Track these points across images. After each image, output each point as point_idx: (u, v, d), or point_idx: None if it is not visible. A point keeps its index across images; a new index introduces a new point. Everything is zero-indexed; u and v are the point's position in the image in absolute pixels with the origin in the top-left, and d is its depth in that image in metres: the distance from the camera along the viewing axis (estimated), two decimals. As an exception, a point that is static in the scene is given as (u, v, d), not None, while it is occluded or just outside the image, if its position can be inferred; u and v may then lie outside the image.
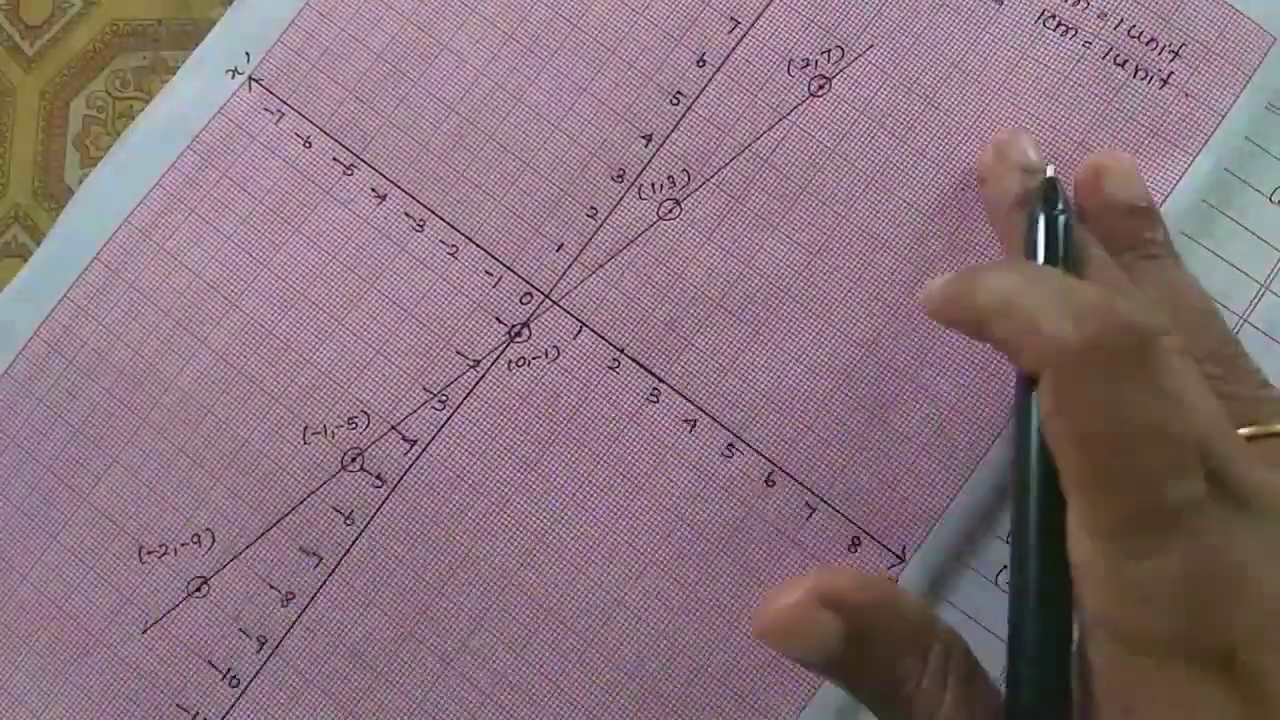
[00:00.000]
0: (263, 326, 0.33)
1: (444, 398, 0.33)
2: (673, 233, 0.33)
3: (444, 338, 0.33)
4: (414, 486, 0.32)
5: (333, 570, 0.32)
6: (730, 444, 0.32)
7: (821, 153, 0.33)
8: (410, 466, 0.32)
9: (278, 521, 0.32)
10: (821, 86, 0.33)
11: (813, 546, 0.31)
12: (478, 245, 0.33)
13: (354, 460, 0.33)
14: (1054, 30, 0.32)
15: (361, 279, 0.33)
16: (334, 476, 0.33)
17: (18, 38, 0.36)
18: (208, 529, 0.33)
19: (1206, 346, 0.26)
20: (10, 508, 0.33)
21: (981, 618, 0.30)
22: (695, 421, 0.32)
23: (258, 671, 0.32)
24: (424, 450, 0.32)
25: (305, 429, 0.33)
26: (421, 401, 0.33)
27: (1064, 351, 0.21)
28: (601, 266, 0.33)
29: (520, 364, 0.33)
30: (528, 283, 0.33)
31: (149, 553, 0.33)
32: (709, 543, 0.31)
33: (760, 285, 0.32)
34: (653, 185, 0.33)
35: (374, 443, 0.33)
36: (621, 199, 0.33)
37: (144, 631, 0.32)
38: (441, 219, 0.33)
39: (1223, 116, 0.32)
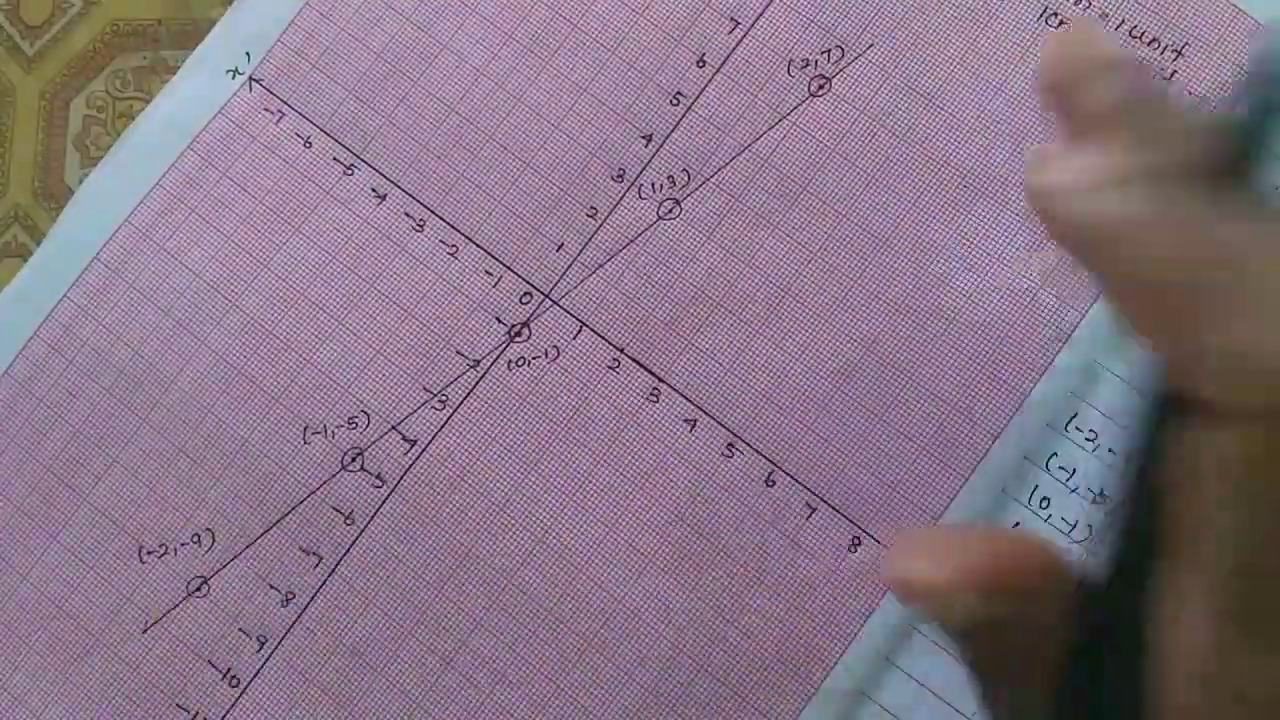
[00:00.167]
0: (263, 326, 0.33)
1: (444, 398, 0.33)
2: (673, 232, 0.33)
3: (444, 337, 0.33)
4: (414, 486, 0.32)
5: (333, 570, 0.32)
6: (730, 444, 0.32)
7: (821, 152, 0.33)
8: (410, 466, 0.32)
9: (278, 521, 0.32)
10: (821, 86, 0.33)
11: (813, 546, 0.31)
12: (478, 245, 0.33)
13: (354, 460, 0.33)
14: (1056, 29, 0.32)
15: (361, 279, 0.33)
16: (334, 476, 0.33)
17: (18, 38, 0.36)
18: (208, 529, 0.33)
19: None
20: (10, 507, 0.33)
21: (981, 618, 0.30)
22: (695, 421, 0.32)
23: (258, 671, 0.32)
24: (424, 450, 0.32)
25: (305, 429, 0.33)
26: (421, 401, 0.33)
27: None
28: (601, 266, 0.33)
29: (520, 364, 0.33)
30: (528, 282, 0.33)
31: (149, 553, 0.33)
32: (709, 543, 0.31)
33: (760, 285, 0.32)
34: (653, 185, 0.33)
35: (374, 442, 0.33)
36: (622, 199, 0.33)
37: (144, 631, 0.32)
38: (441, 219, 0.33)
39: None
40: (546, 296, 0.33)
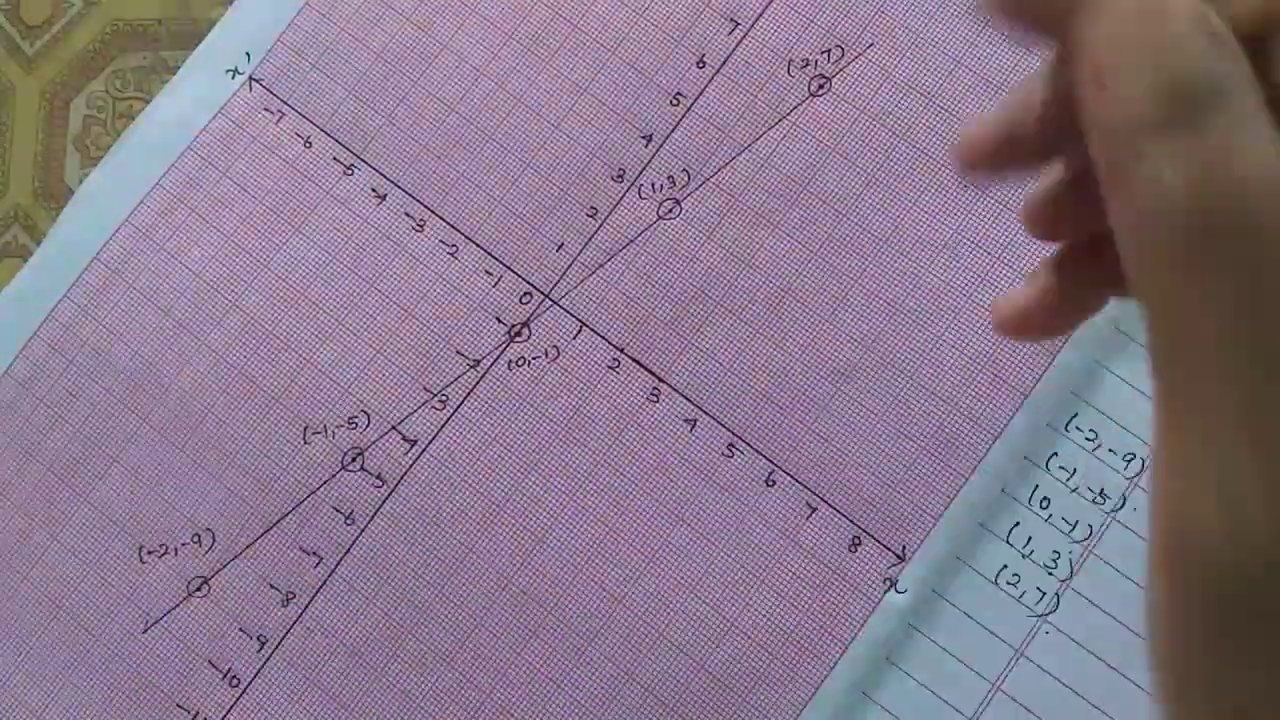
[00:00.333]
0: (263, 326, 0.33)
1: (444, 397, 0.33)
2: (673, 232, 0.33)
3: (444, 337, 0.33)
4: (414, 486, 0.32)
5: (333, 570, 0.32)
6: (730, 444, 0.32)
7: (821, 152, 0.33)
8: (410, 466, 0.32)
9: (278, 521, 0.32)
10: (821, 86, 0.33)
11: (813, 546, 0.31)
12: (478, 245, 0.33)
13: (354, 460, 0.33)
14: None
15: (362, 279, 0.33)
16: (334, 476, 0.33)
17: (18, 38, 0.36)
18: (208, 529, 0.33)
19: None
20: (11, 507, 0.33)
21: (981, 617, 0.30)
22: (695, 421, 0.32)
23: (258, 671, 0.32)
24: (424, 450, 0.32)
25: (305, 429, 0.33)
26: (421, 401, 0.33)
27: None
28: (601, 266, 0.33)
29: (520, 364, 0.33)
30: (528, 282, 0.33)
31: (149, 552, 0.33)
32: (709, 542, 0.31)
33: (760, 284, 0.32)
34: (653, 185, 0.33)
35: (374, 442, 0.33)
36: (622, 199, 0.33)
37: (144, 631, 0.32)
38: (441, 219, 0.33)
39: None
40: (546, 296, 0.33)
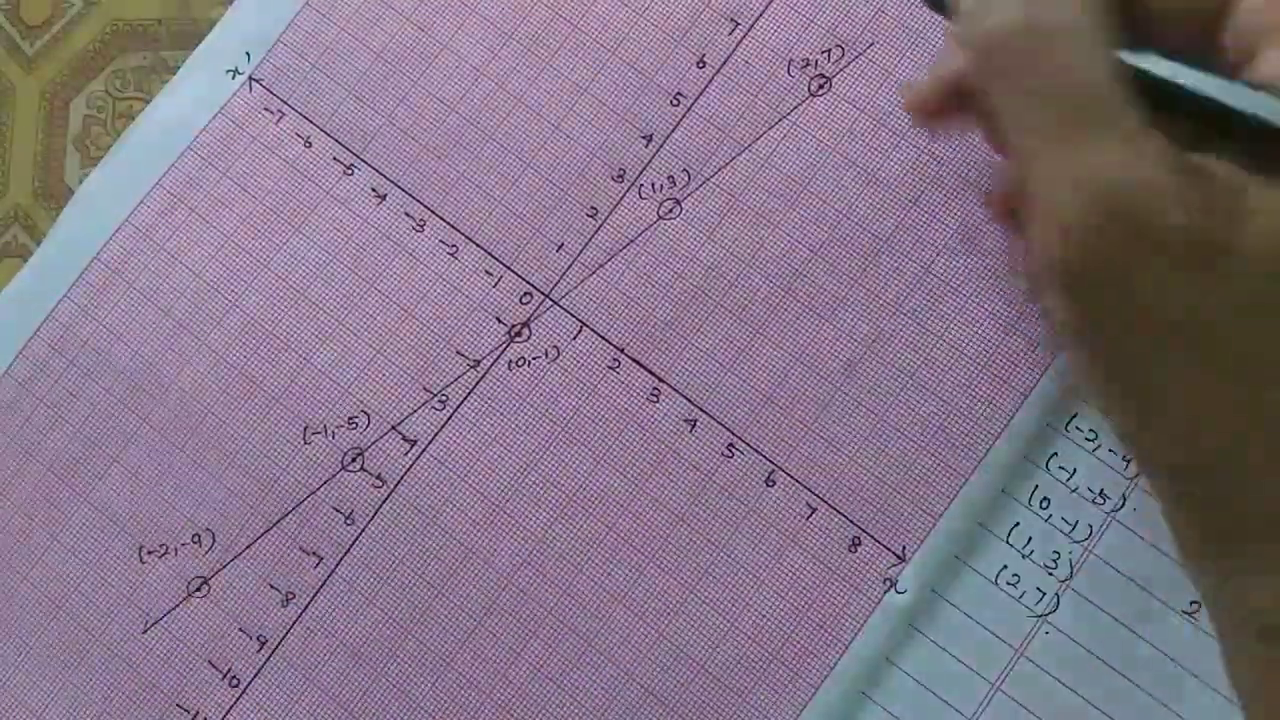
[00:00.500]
0: (263, 326, 0.33)
1: (444, 398, 0.33)
2: (673, 232, 0.33)
3: (444, 338, 0.33)
4: (414, 486, 0.32)
5: (333, 570, 0.32)
6: (730, 444, 0.32)
7: (822, 152, 0.33)
8: (410, 467, 0.32)
9: (278, 521, 0.32)
10: (822, 86, 0.33)
11: (813, 546, 0.31)
12: (478, 245, 0.33)
13: (354, 460, 0.33)
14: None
15: (362, 279, 0.33)
16: (334, 476, 0.33)
17: (18, 38, 0.36)
18: (208, 529, 0.33)
19: None
20: (11, 507, 0.33)
21: (981, 618, 0.30)
22: (695, 421, 0.32)
23: (258, 671, 0.32)
24: (424, 450, 0.32)
25: (305, 429, 0.33)
26: (422, 401, 0.33)
27: None
28: (602, 266, 0.33)
29: (520, 364, 0.33)
30: (528, 283, 0.33)
31: (149, 553, 0.33)
32: (709, 542, 0.31)
33: (761, 285, 0.32)
34: (653, 185, 0.33)
35: (374, 443, 0.33)
36: (622, 199, 0.33)
37: (144, 631, 0.32)
38: (442, 219, 0.33)
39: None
40: (547, 297, 0.33)
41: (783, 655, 0.31)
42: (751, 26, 0.33)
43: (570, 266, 0.33)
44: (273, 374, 0.33)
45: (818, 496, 0.31)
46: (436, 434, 0.32)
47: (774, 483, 0.32)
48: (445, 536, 0.32)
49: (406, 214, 0.34)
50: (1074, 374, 0.30)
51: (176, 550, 0.33)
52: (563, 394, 0.32)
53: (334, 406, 0.33)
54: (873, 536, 0.31)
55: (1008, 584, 0.31)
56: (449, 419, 0.33)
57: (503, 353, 0.33)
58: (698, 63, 0.33)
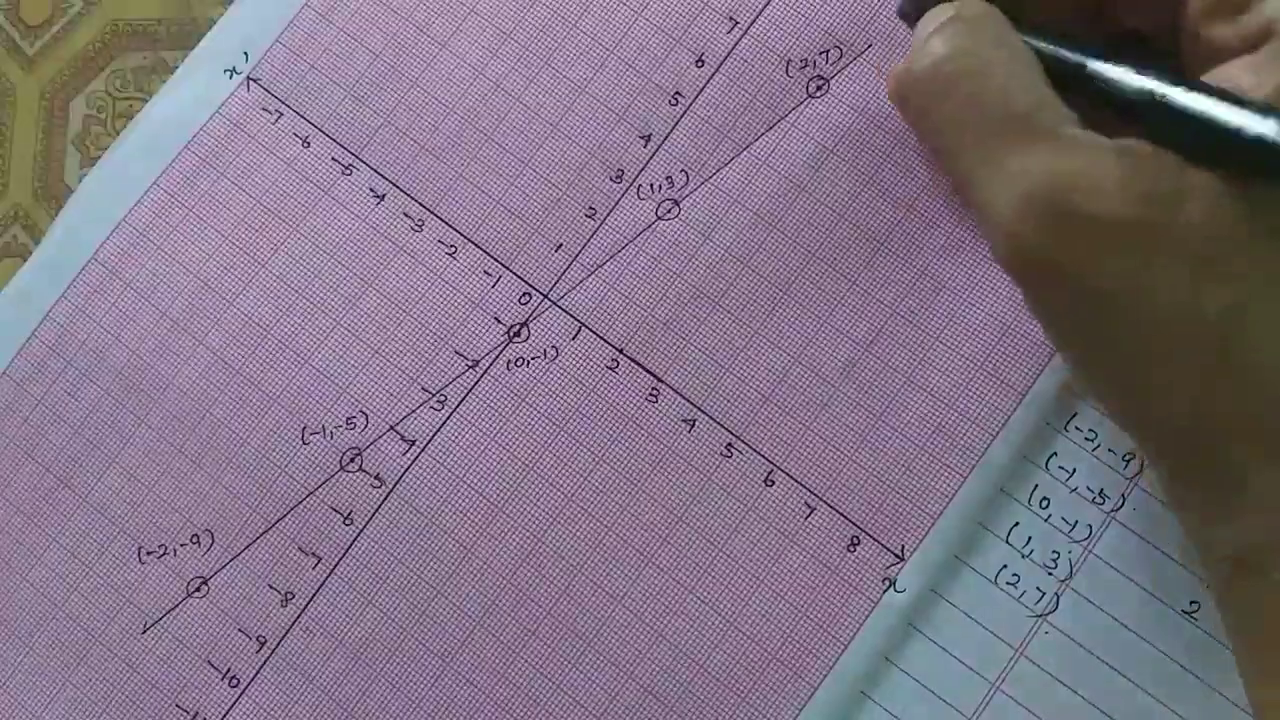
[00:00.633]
0: (261, 326, 0.33)
1: (443, 398, 0.33)
2: (671, 233, 0.33)
3: (442, 338, 0.33)
4: (413, 487, 0.32)
5: (332, 570, 0.32)
6: (730, 444, 0.32)
7: (820, 153, 0.32)
8: (409, 467, 0.32)
9: (277, 522, 0.32)
10: (820, 87, 0.33)
11: (812, 546, 0.31)
12: (476, 245, 0.33)
13: (353, 460, 0.33)
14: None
15: (360, 279, 0.33)
16: (333, 477, 0.33)
17: (18, 38, 0.37)
18: (207, 529, 0.33)
19: None
20: (10, 508, 0.33)
21: (981, 618, 0.30)
22: (694, 421, 0.32)
23: (257, 671, 0.32)
24: (423, 450, 0.32)
25: (304, 429, 0.33)
26: (420, 401, 0.33)
27: None
28: (600, 266, 0.33)
29: (519, 364, 0.33)
30: (526, 283, 0.33)
31: (149, 553, 0.33)
32: (708, 542, 0.31)
33: (759, 285, 0.32)
34: (651, 185, 0.33)
35: (373, 443, 0.33)
36: (620, 199, 0.33)
37: (144, 631, 0.32)
38: (440, 219, 0.33)
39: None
40: (545, 297, 0.33)
41: (782, 655, 0.31)
42: (750, 26, 0.33)
43: (569, 266, 0.33)
44: (271, 374, 0.33)
45: (817, 496, 0.31)
46: (435, 434, 0.32)
47: (773, 482, 0.32)
48: (444, 536, 0.32)
49: (405, 214, 0.34)
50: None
51: (175, 551, 0.33)
52: (561, 394, 0.32)
53: (332, 406, 0.33)
54: (872, 536, 0.31)
55: (1007, 584, 0.30)
56: (448, 419, 0.33)
57: (501, 353, 0.33)
58: (696, 62, 0.33)
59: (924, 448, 0.31)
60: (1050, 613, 0.30)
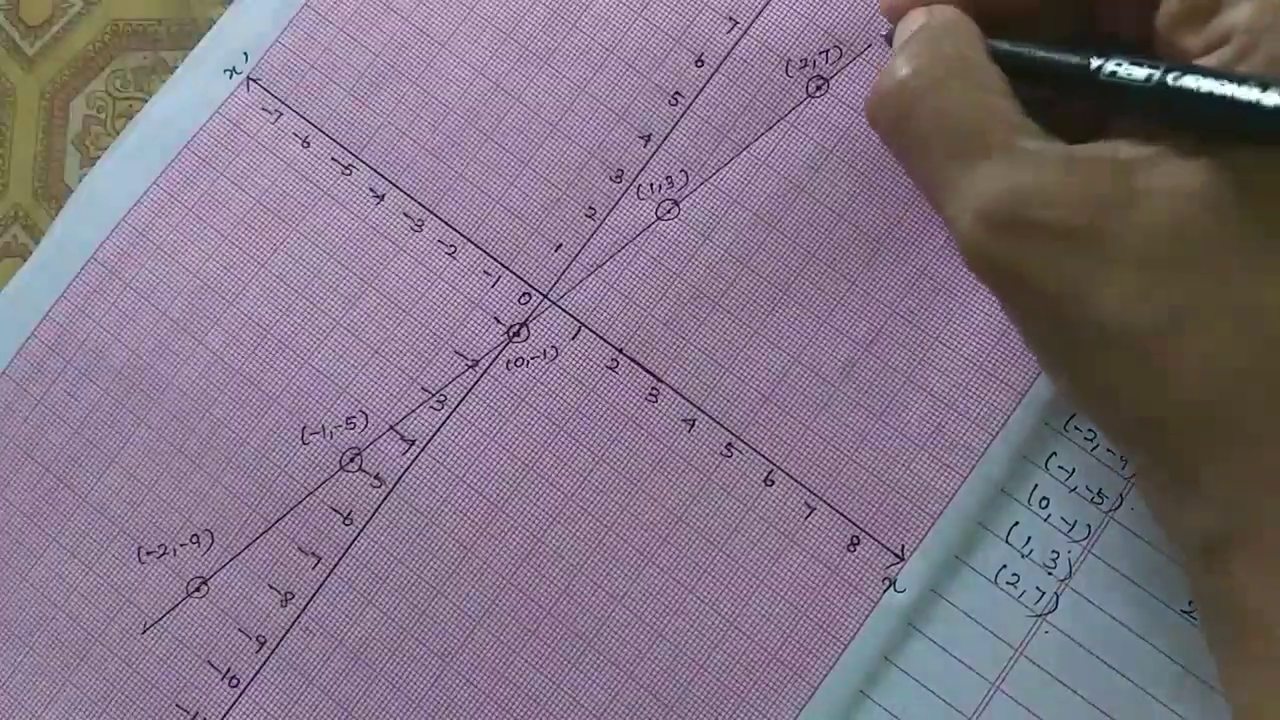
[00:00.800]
0: (260, 326, 0.33)
1: (442, 398, 0.33)
2: (671, 233, 0.33)
3: (442, 337, 0.33)
4: (412, 486, 0.32)
5: (331, 570, 0.32)
6: (729, 444, 0.32)
7: (819, 153, 0.32)
8: (409, 466, 0.32)
9: (276, 522, 0.32)
10: (819, 87, 0.33)
11: (812, 546, 0.31)
12: (476, 245, 0.33)
13: (352, 460, 0.33)
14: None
15: (360, 279, 0.33)
16: (332, 476, 0.33)
17: (18, 38, 0.37)
18: (207, 529, 0.33)
19: None
20: (10, 508, 0.33)
21: (982, 618, 0.30)
22: (694, 421, 0.32)
23: (257, 671, 0.32)
24: (422, 450, 0.32)
25: (303, 429, 0.33)
26: (420, 401, 0.33)
27: None
28: (600, 266, 0.33)
29: (519, 364, 0.33)
30: (526, 283, 0.33)
31: (148, 553, 0.33)
32: (708, 542, 0.31)
33: (759, 285, 0.32)
34: (651, 185, 0.33)
35: (372, 443, 0.33)
36: (620, 199, 0.33)
37: (144, 631, 0.32)
38: (440, 219, 0.33)
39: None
40: (545, 297, 0.33)
41: (782, 655, 0.31)
42: (750, 26, 0.33)
43: (569, 266, 0.33)
44: (270, 374, 0.33)
45: (816, 496, 0.31)
46: (435, 434, 0.32)
47: (773, 482, 0.31)
48: (444, 536, 0.32)
49: (405, 214, 0.34)
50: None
51: (175, 551, 0.33)
52: (561, 394, 0.32)
53: (332, 406, 0.33)
54: (872, 536, 0.31)
55: (1007, 583, 0.30)
56: (447, 419, 0.33)
57: (501, 352, 0.33)
58: (696, 62, 0.33)
59: (924, 448, 0.31)
60: (1050, 612, 0.30)
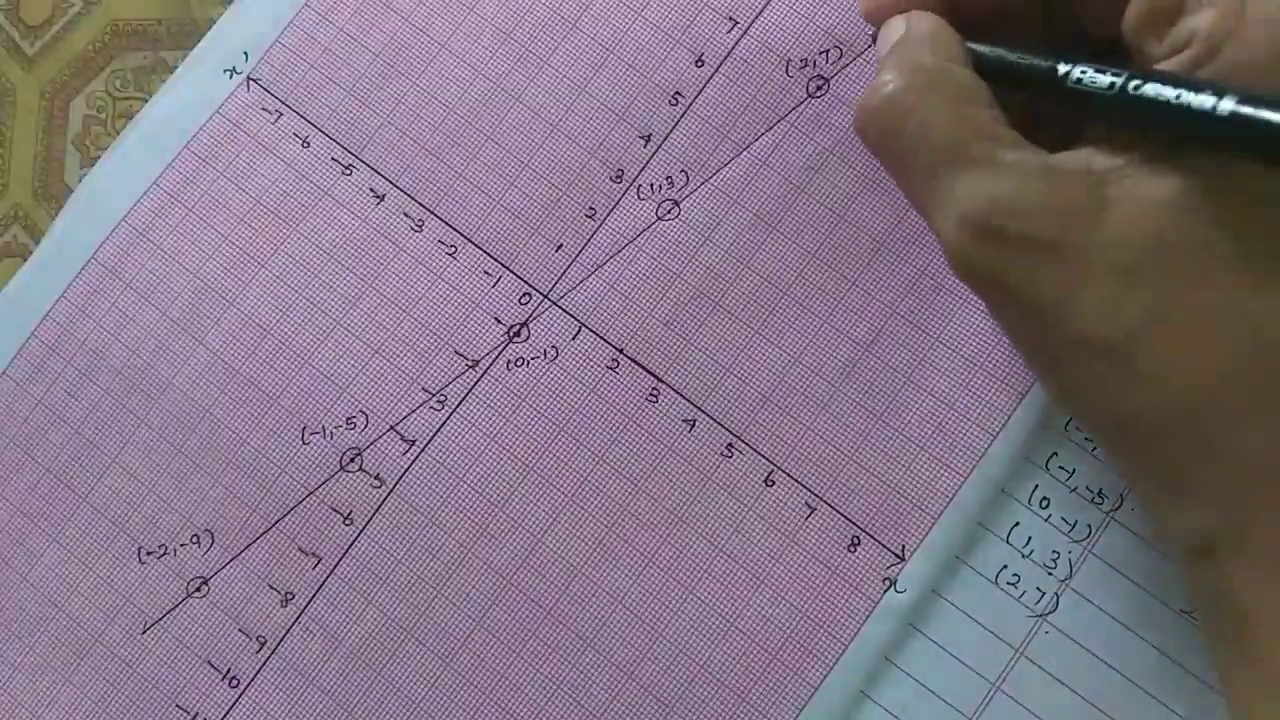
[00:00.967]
0: (260, 326, 0.33)
1: (443, 398, 0.33)
2: (671, 233, 0.33)
3: (442, 338, 0.33)
4: (413, 487, 0.32)
5: (332, 570, 0.32)
6: (730, 444, 0.32)
7: (819, 153, 0.32)
8: (409, 467, 0.32)
9: (277, 522, 0.32)
10: (820, 87, 0.33)
11: (812, 546, 0.31)
12: (476, 245, 0.33)
13: (353, 460, 0.33)
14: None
15: (360, 279, 0.33)
16: (333, 477, 0.33)
17: (18, 38, 0.37)
18: (207, 529, 0.33)
19: None
20: (10, 508, 0.33)
21: (981, 618, 0.30)
22: (695, 421, 0.32)
23: (257, 671, 0.32)
24: (423, 450, 0.32)
25: (304, 429, 0.33)
26: (420, 402, 0.33)
27: None
28: (600, 267, 0.33)
29: (519, 364, 0.33)
30: (526, 283, 0.33)
31: (149, 553, 0.33)
32: (708, 542, 0.31)
33: (759, 285, 0.32)
34: (651, 185, 0.33)
35: (373, 443, 0.33)
36: (620, 199, 0.33)
37: (144, 632, 0.32)
38: (440, 219, 0.33)
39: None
40: (545, 297, 0.33)
41: (782, 655, 0.31)
42: (750, 26, 0.33)
43: (569, 267, 0.33)
44: (271, 374, 0.33)
45: (817, 496, 0.31)
46: (435, 434, 0.32)
47: (773, 482, 0.31)
48: (444, 536, 0.32)
49: (405, 214, 0.34)
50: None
51: (175, 551, 0.33)
52: (562, 394, 0.32)
53: (332, 406, 0.33)
54: (872, 536, 0.31)
55: (1007, 583, 0.30)
56: (447, 419, 0.33)
57: (501, 353, 0.33)
58: (696, 62, 0.33)
59: (924, 448, 0.31)
60: (1050, 613, 0.30)
